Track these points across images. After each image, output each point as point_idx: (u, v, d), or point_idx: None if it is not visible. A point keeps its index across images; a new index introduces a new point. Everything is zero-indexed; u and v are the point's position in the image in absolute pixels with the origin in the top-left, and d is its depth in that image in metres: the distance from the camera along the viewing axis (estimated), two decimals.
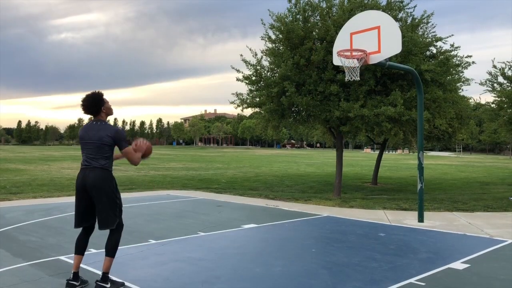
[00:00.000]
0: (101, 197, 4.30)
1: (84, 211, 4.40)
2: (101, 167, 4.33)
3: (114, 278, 4.46)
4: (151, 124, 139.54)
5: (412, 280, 4.68)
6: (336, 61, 8.83)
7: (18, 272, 4.86)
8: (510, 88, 15.15)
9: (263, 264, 5.27)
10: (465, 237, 7.07)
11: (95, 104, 4.36)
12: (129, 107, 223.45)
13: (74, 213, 4.46)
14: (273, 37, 12.50)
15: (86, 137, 4.37)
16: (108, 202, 4.33)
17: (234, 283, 4.56)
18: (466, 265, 5.30)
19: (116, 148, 4.42)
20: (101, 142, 4.29)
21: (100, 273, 4.76)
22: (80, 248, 4.48)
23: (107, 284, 4.31)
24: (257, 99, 12.82)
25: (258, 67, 12.67)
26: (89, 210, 4.40)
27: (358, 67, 8.32)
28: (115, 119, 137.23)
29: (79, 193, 4.38)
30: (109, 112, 4.51)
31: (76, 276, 4.38)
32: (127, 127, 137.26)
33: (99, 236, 6.80)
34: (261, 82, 12.71)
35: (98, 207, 4.33)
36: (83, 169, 4.39)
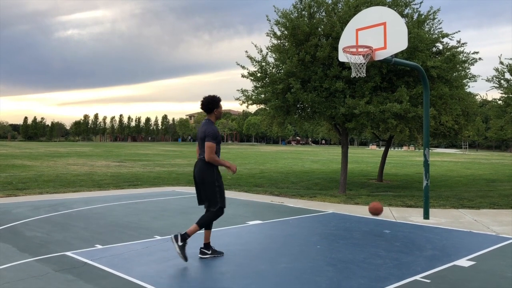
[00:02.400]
0: (203, 185, 5.23)
1: (198, 194, 5.38)
2: (204, 159, 5.21)
3: (215, 248, 5.46)
4: (156, 120, 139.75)
5: (417, 277, 4.67)
6: (342, 57, 8.80)
7: (24, 267, 4.89)
8: None
9: (268, 261, 5.28)
10: (471, 234, 7.04)
11: (209, 105, 5.29)
12: (134, 103, 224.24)
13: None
14: (279, 33, 12.47)
15: (197, 133, 5.35)
16: (209, 188, 5.20)
17: (239, 280, 4.56)
18: (472, 263, 5.28)
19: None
20: (204, 137, 5.15)
21: (105, 268, 4.84)
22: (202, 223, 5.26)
23: (209, 250, 5.33)
24: (262, 95, 12.81)
25: (263, 64, 12.66)
26: (201, 194, 5.33)
27: (364, 63, 8.28)
28: (121, 115, 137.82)
29: (194, 179, 5.40)
30: (219, 115, 5.42)
31: (207, 246, 5.34)
32: (133, 124, 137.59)
33: (105, 232, 6.84)
34: (266, 79, 12.69)
35: (203, 192, 5.27)
36: (197, 160, 5.36)
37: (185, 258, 5.03)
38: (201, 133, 5.21)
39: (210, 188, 5.20)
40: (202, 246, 5.39)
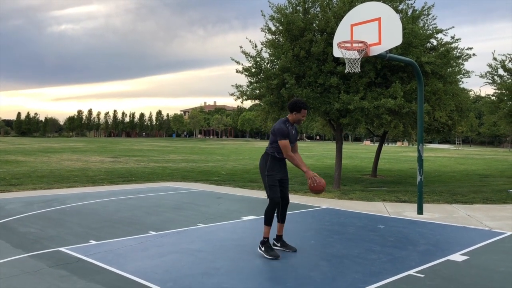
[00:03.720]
0: (260, 173, 5.53)
1: None
2: (266, 151, 5.56)
3: (287, 243, 5.56)
4: (150, 116, 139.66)
5: (411, 272, 4.70)
6: (337, 53, 8.78)
7: (18, 263, 4.87)
8: (510, 80, 15.10)
9: (262, 256, 5.28)
10: (464, 229, 7.08)
11: (291, 105, 5.48)
12: (128, 99, 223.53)
13: None
14: (273, 28, 12.44)
15: None
16: (262, 177, 5.47)
17: (234, 275, 4.57)
18: (465, 257, 5.31)
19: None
20: (273, 133, 5.44)
21: (99, 263, 4.82)
22: (278, 217, 5.58)
23: (278, 243, 5.55)
24: (257, 91, 12.78)
25: (258, 59, 12.62)
26: None
27: (358, 59, 8.27)
28: (115, 110, 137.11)
29: None
30: (296, 120, 5.49)
31: (278, 238, 5.59)
32: (127, 119, 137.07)
33: (99, 228, 6.82)
34: (261, 74, 12.66)
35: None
36: None
37: (276, 255, 5.25)
38: (271, 129, 5.51)
39: (262, 177, 5.47)
40: (275, 237, 5.57)
